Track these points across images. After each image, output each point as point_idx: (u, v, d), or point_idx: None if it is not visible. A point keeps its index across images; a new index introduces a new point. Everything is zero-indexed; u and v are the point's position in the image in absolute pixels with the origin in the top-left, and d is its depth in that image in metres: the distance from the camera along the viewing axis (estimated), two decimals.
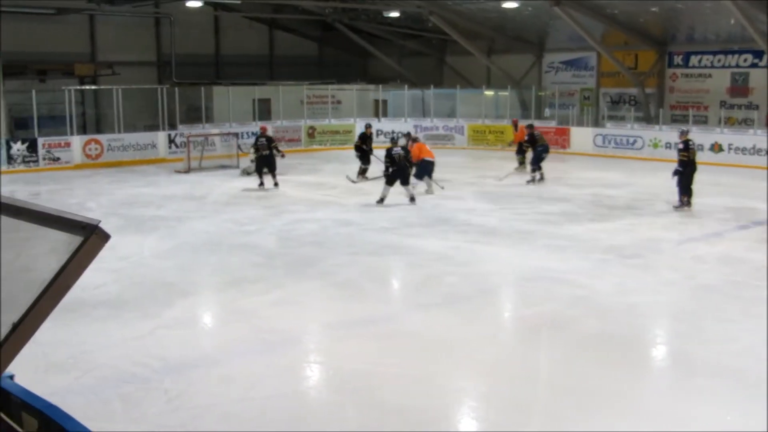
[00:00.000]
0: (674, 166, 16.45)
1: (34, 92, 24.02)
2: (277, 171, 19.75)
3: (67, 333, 8.09)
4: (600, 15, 26.38)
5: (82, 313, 8.94)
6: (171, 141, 25.90)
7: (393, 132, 26.32)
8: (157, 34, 32.36)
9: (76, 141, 24.06)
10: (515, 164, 22.65)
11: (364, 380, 7.48)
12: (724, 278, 11.06)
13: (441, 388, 7.36)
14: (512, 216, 15.85)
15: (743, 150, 24.20)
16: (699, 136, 24.92)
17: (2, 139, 23.05)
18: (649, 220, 15.52)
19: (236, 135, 25.35)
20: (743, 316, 9.29)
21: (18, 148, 22.94)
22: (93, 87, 29.18)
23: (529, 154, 21.60)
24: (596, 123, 28.98)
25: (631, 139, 26.49)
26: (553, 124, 28.87)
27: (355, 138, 27.72)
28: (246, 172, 21.66)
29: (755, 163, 23.33)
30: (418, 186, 18.03)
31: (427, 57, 34.84)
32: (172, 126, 26.50)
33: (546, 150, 21.19)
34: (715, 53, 27.64)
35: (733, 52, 27.04)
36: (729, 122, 26.46)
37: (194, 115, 28.07)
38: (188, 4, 28.68)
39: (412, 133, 21.42)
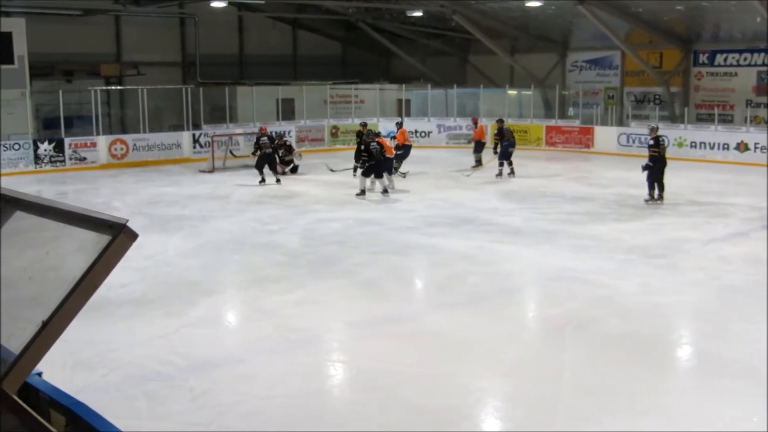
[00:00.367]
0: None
1: (60, 93, 24.23)
2: (300, 170, 19.93)
3: (93, 331, 8.17)
4: (624, 13, 26.21)
5: (107, 312, 9.03)
6: (195, 141, 26.04)
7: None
8: (182, 35, 32.54)
9: (102, 141, 24.26)
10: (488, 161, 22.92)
11: (387, 379, 7.50)
12: (749, 278, 10.96)
13: (464, 387, 7.36)
14: (536, 215, 15.80)
15: None
16: (724, 135, 24.80)
17: (30, 139, 23.30)
18: (673, 219, 15.42)
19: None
20: None
21: (45, 148, 23.17)
22: (118, 87, 29.40)
23: (487, 150, 22.72)
24: (620, 122, 28.78)
25: None
26: (577, 123, 28.73)
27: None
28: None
29: None
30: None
31: (450, 56, 34.77)
32: (197, 126, 26.63)
33: (512, 145, 21.82)
34: (740, 51, 27.36)
35: (758, 51, 26.73)
36: (755, 121, 26.19)
37: (218, 114, 28.20)
38: (212, 4, 28.80)
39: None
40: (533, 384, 7.40)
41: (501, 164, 21.53)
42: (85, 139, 24.06)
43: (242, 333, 9.38)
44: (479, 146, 23.52)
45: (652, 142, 17.16)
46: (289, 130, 27.91)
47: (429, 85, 31.47)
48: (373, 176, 18.17)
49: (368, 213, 16.16)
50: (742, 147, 24.33)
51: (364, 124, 22.64)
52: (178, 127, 27.02)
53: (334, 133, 29.52)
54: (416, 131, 29.79)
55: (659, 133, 17.52)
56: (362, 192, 18.03)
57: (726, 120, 26.91)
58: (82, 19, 28.52)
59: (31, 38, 24.64)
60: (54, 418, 2.71)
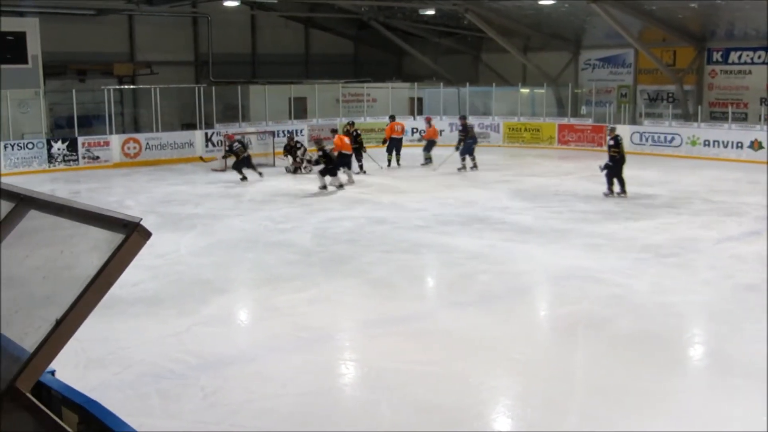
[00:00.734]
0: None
1: (74, 92, 24.34)
2: (312, 170, 20.52)
3: (105, 330, 8.20)
4: (637, 11, 26.11)
5: (119, 310, 9.07)
6: (208, 140, 26.11)
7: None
8: (195, 34, 32.63)
9: (115, 140, 24.35)
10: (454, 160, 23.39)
11: (398, 378, 7.51)
12: (762, 277, 10.88)
13: (475, 386, 7.37)
14: (548, 214, 15.77)
15: None
16: (738, 133, 24.68)
17: (43, 138, 23.42)
18: (687, 218, 15.36)
19: (272, 133, 25.52)
20: None
21: (58, 147, 23.29)
22: (131, 86, 29.50)
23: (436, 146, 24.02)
24: (633, 120, 28.66)
25: (669, 137, 26.19)
26: (589, 121, 28.63)
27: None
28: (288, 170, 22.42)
29: None
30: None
31: (462, 55, 34.74)
32: (209, 125, 26.69)
33: (475, 142, 23.04)
34: (755, 50, 27.22)
35: None
36: None
37: (231, 113, 28.24)
38: (225, 3, 28.86)
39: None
40: (544, 383, 7.40)
41: (463, 159, 22.52)
42: (98, 138, 24.16)
43: (254, 331, 9.41)
44: (430, 145, 24.20)
45: (612, 142, 17.76)
46: (302, 129, 27.96)
47: (441, 84, 31.45)
48: (329, 175, 19.04)
49: (380, 212, 16.17)
50: (756, 145, 24.19)
51: (352, 123, 23.68)
52: (190, 126, 27.12)
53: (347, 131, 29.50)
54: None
55: (617, 132, 18.45)
56: (324, 187, 18.79)
57: (740, 118, 26.78)
58: (95, 19, 28.65)
59: (44, 38, 24.78)
60: (67, 416, 2.73)
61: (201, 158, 23.53)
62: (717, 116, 27.53)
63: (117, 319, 8.77)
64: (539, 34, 31.28)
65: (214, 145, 25.85)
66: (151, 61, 30.41)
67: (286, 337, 8.80)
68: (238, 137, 22.51)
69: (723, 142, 24.92)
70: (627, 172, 22.03)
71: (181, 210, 16.68)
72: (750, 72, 27.49)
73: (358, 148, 22.31)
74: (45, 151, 23.02)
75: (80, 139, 23.78)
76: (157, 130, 25.42)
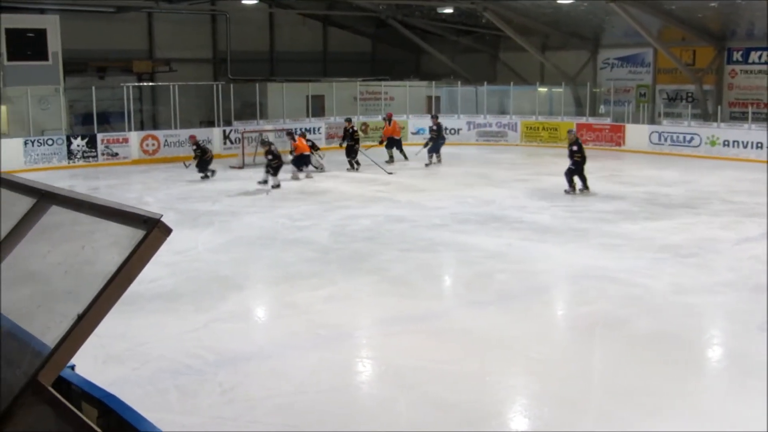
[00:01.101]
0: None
1: (93, 89, 24.48)
2: (328, 168, 21.71)
3: (124, 325, 8.26)
4: (657, 11, 25.95)
5: (138, 306, 9.12)
6: (226, 137, 26.21)
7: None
8: (213, 32, 32.74)
9: (134, 137, 24.49)
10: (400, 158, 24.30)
11: (416, 376, 7.51)
12: None
13: (493, 385, 7.36)
14: (566, 213, 15.72)
15: None
16: (759, 133, 24.46)
17: (63, 134, 23.58)
18: (706, 219, 15.26)
19: (291, 131, 25.54)
20: None
21: (78, 143, 23.44)
22: (150, 84, 29.66)
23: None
24: (652, 120, 28.50)
25: (688, 137, 26.01)
26: (608, 121, 28.49)
27: (408, 134, 27.92)
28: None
29: None
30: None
31: (480, 53, 34.66)
32: (227, 122, 26.79)
33: (444, 141, 24.16)
34: None
35: None
36: None
37: (249, 111, 28.35)
38: (244, 1, 28.95)
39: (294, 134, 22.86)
40: (561, 383, 7.38)
41: (431, 156, 23.59)
42: (117, 135, 24.31)
43: (272, 328, 9.43)
44: (392, 143, 24.49)
45: (575, 147, 17.95)
46: (319, 127, 28.00)
47: (459, 82, 31.40)
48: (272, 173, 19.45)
49: (398, 210, 16.16)
50: None
51: (349, 120, 23.92)
52: (208, 124, 27.23)
53: (364, 129, 29.51)
54: (446, 128, 29.71)
55: (576, 136, 18.82)
56: (278, 185, 19.17)
57: (760, 118, 26.51)
58: (115, 16, 28.80)
59: (65, 35, 24.95)
60: (86, 411, 2.74)
61: (184, 164, 22.56)
62: (737, 116, 27.31)
63: (136, 315, 8.81)
64: (558, 33, 31.16)
65: (232, 142, 25.94)
66: (170, 59, 30.55)
67: (303, 334, 8.82)
68: (198, 139, 22.77)
69: (743, 143, 24.72)
70: (646, 171, 22.03)
71: (199, 207, 16.74)
72: None
73: (353, 145, 22.83)
74: (65, 148, 23.17)
75: (99, 136, 23.94)
76: (176, 127, 25.53)
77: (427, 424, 6.50)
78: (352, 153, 22.70)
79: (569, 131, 18.94)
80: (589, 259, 12.01)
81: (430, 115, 25.86)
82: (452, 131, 29.42)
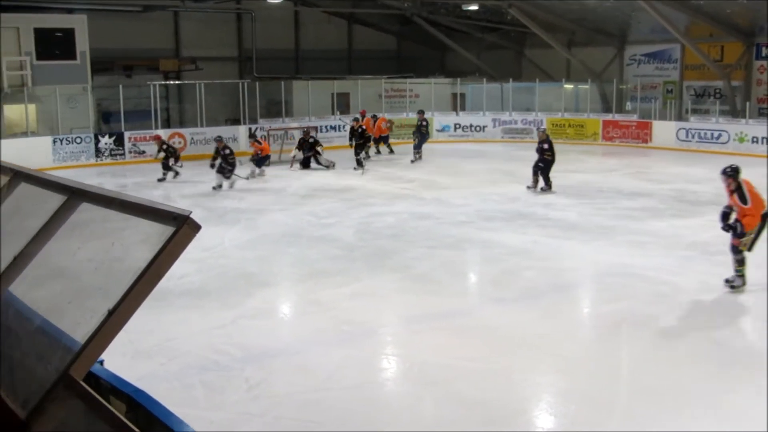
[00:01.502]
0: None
1: (121, 87, 24.64)
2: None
3: (152, 321, 8.32)
4: (684, 6, 25.72)
5: (166, 303, 9.19)
6: (251, 135, 26.27)
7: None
8: (239, 30, 32.90)
9: (161, 135, 24.60)
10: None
11: (441, 373, 7.51)
12: None
13: (518, 383, 7.34)
14: (592, 211, 15.63)
15: None
16: None
17: (91, 133, 23.79)
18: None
19: (315, 128, 25.62)
20: None
21: (106, 141, 23.64)
22: (177, 82, 29.86)
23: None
24: (679, 117, 28.27)
25: (716, 134, 25.76)
26: (634, 117, 28.29)
27: (433, 132, 27.89)
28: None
29: None
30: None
31: (505, 50, 34.53)
32: (253, 120, 26.89)
33: (428, 137, 24.85)
34: None
35: None
36: None
37: (274, 109, 28.46)
38: None
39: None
40: (588, 381, 7.35)
41: (417, 152, 23.81)
42: (144, 133, 24.47)
43: (297, 325, 9.47)
44: (353, 135, 24.14)
45: (546, 146, 17.74)
46: (344, 125, 28.02)
47: (484, 79, 31.29)
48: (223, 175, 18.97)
49: (423, 207, 16.16)
50: None
51: (357, 119, 23.50)
52: (234, 121, 27.36)
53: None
54: (471, 125, 29.68)
55: (547, 134, 18.68)
56: (219, 186, 18.71)
57: None
58: (141, 15, 29.04)
59: (92, 34, 25.18)
60: (115, 406, 2.77)
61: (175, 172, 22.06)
62: (765, 113, 27.00)
63: (164, 311, 8.89)
64: (584, 30, 30.96)
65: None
66: (195, 57, 30.74)
67: (329, 331, 8.85)
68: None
69: None
70: (672, 168, 21.84)
71: (226, 204, 16.83)
72: None
73: (362, 144, 22.63)
74: (92, 146, 23.39)
75: (127, 134, 24.13)
76: (202, 125, 25.67)
77: (451, 422, 6.50)
78: (358, 151, 22.42)
79: (541, 129, 18.59)
80: (615, 257, 11.94)
81: (417, 111, 25.90)
82: (477, 128, 29.35)
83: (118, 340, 2.49)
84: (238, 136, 25.95)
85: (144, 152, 24.09)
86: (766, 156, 22.02)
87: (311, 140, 22.73)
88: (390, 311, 9.67)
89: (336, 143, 26.17)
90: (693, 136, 26.23)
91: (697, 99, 29.32)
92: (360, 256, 12.37)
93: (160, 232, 2.45)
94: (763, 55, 27.77)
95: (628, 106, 30.14)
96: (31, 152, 21.37)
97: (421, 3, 31.61)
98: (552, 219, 14.87)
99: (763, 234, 9.91)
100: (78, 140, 23.27)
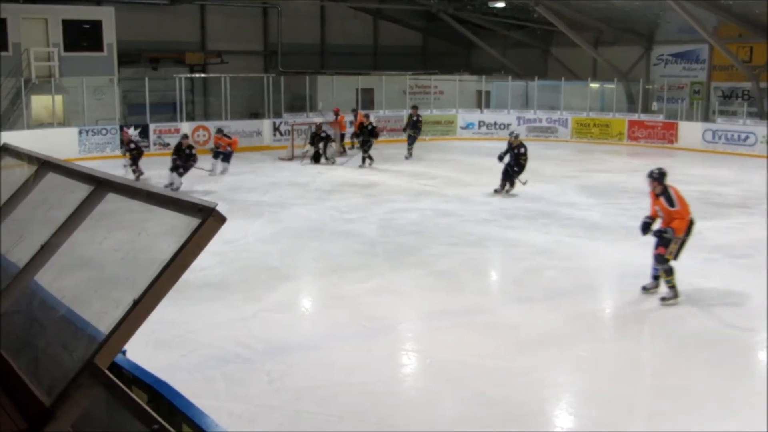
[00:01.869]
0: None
1: (146, 80, 24.81)
2: (375, 162, 21.86)
3: (174, 313, 8.37)
4: (713, 6, 25.49)
5: (188, 294, 9.24)
6: (275, 129, 26.41)
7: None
8: (265, 24, 32.98)
9: (185, 127, 24.73)
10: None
11: (461, 371, 7.50)
12: None
13: (539, 382, 7.32)
14: (616, 211, 15.54)
15: None
16: None
17: (117, 124, 23.95)
18: (760, 219, 14.94)
19: (221, 128, 25.39)
20: None
21: (131, 133, 23.75)
22: (202, 75, 29.98)
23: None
24: (706, 118, 28.04)
25: (743, 135, 25.52)
26: (660, 118, 28.09)
27: (457, 129, 27.84)
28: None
29: None
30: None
31: (531, 48, 34.39)
32: (277, 114, 26.99)
33: (419, 133, 24.59)
34: None
35: None
36: None
37: (298, 103, 28.52)
38: None
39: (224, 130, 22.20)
40: (609, 381, 7.31)
41: (409, 148, 23.89)
42: (169, 126, 24.62)
43: (319, 319, 9.49)
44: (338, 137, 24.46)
45: (522, 150, 17.42)
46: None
47: (509, 77, 31.19)
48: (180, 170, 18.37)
49: (446, 204, 16.14)
50: None
51: (367, 116, 23.28)
52: (258, 115, 27.45)
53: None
54: (495, 123, 29.58)
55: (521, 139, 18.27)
56: (171, 184, 17.94)
57: None
58: (168, 9, 29.21)
59: (119, 27, 25.34)
60: (136, 395, 2.80)
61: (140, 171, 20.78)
62: None
63: (186, 303, 8.93)
64: (611, 29, 30.78)
65: (281, 134, 26.13)
66: (221, 51, 30.88)
67: (350, 326, 8.87)
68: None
69: None
70: (697, 170, 21.68)
71: (249, 197, 16.90)
72: None
73: (368, 140, 22.37)
74: (118, 137, 23.51)
75: (152, 126, 24.29)
76: (226, 119, 25.77)
77: (471, 420, 6.49)
78: (365, 147, 22.23)
79: (513, 134, 18.12)
80: (639, 258, 11.81)
81: (412, 106, 25.74)
82: (501, 126, 29.23)
83: (140, 330, 2.51)
84: (262, 130, 26.05)
85: (168, 144, 24.19)
86: None
87: (323, 135, 22.73)
88: (411, 307, 9.66)
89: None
90: (720, 138, 26.00)
91: (725, 100, 29.06)
92: (382, 251, 12.37)
93: (185, 224, 2.46)
94: None
95: (655, 106, 29.91)
96: (58, 143, 21.53)
97: (447, 0, 31.55)
98: (575, 218, 14.80)
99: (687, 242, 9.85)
100: (104, 132, 23.44)
